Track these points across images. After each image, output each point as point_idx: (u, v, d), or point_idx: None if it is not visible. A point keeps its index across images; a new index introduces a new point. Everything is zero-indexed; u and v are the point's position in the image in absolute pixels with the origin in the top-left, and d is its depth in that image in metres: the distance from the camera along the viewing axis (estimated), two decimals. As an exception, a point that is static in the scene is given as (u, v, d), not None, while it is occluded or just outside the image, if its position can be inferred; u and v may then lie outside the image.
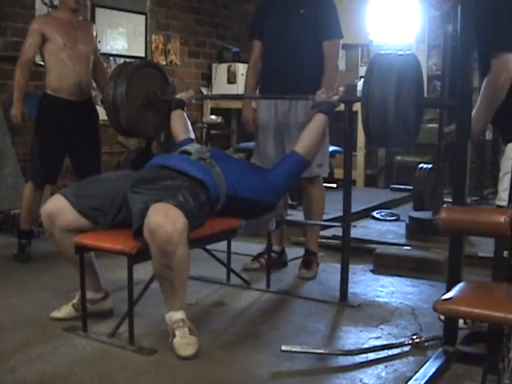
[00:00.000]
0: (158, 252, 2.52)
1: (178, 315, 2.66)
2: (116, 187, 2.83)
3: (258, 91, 3.84)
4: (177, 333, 2.62)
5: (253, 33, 3.85)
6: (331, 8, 3.62)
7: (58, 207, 2.80)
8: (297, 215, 4.32)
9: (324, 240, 4.42)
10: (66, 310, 3.02)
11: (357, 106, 3.29)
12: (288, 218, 3.83)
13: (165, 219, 2.49)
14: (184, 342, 2.60)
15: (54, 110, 3.95)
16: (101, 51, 6.30)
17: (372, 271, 3.93)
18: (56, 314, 3.02)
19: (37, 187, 4.01)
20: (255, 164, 3.61)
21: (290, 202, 4.53)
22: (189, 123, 3.55)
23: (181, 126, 3.49)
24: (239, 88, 6.96)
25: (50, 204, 2.85)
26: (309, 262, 3.77)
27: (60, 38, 3.89)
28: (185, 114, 3.57)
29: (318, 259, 3.86)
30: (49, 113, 3.96)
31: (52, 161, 4.02)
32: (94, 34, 4.15)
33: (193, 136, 3.46)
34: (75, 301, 3.00)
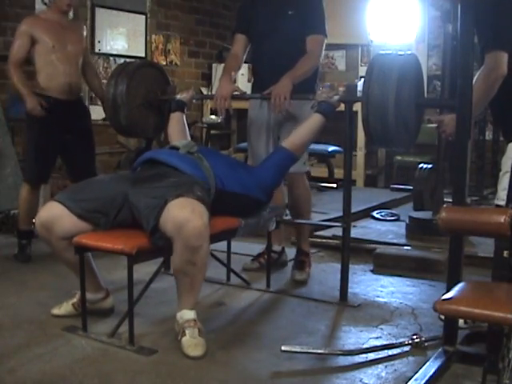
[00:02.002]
0: (185, 247, 2.52)
1: (191, 315, 2.66)
2: (114, 188, 2.80)
3: (250, 90, 3.81)
4: (187, 332, 2.62)
5: (237, 28, 3.78)
6: (318, 7, 3.58)
7: (55, 214, 2.73)
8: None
9: (324, 240, 4.42)
10: (66, 308, 3.02)
11: (357, 106, 3.29)
12: (288, 217, 3.82)
13: (193, 214, 2.49)
14: (193, 343, 2.60)
15: (45, 108, 3.92)
16: (101, 51, 6.35)
17: (372, 271, 3.93)
18: (56, 311, 3.03)
19: (33, 188, 4.00)
20: (244, 162, 3.58)
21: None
22: (186, 128, 3.54)
23: (177, 131, 3.46)
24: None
25: (46, 212, 2.77)
26: (301, 262, 3.72)
27: (49, 39, 3.86)
28: (184, 118, 3.56)
29: (311, 259, 3.82)
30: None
31: (46, 160, 4.00)
32: (84, 34, 4.12)
33: (188, 139, 3.45)
34: (75, 300, 3.00)
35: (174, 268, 2.69)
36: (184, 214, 2.50)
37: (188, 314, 2.66)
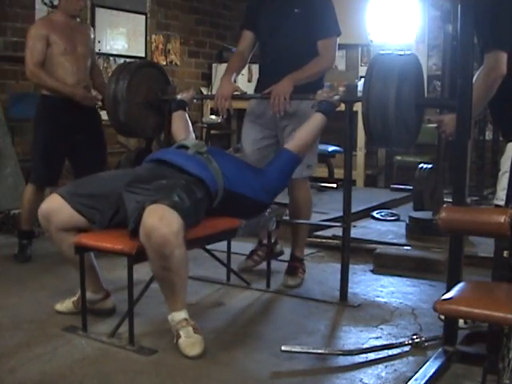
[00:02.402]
0: (155, 255, 2.52)
1: (181, 315, 2.66)
2: (112, 186, 2.81)
3: (255, 88, 3.79)
4: (181, 333, 2.62)
5: (245, 24, 3.74)
6: (326, 6, 3.50)
7: (54, 206, 2.80)
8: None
9: (324, 240, 4.42)
10: (67, 306, 3.04)
11: (357, 106, 3.29)
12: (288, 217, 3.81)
13: (160, 221, 2.48)
14: (190, 342, 2.60)
15: (53, 110, 3.91)
16: (101, 51, 6.34)
17: (372, 271, 3.93)
18: (59, 306, 3.05)
19: (38, 189, 3.98)
20: (250, 164, 3.52)
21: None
22: (190, 124, 3.54)
23: (181, 126, 3.47)
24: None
25: (47, 203, 2.85)
26: (294, 268, 3.63)
27: (62, 42, 3.85)
28: (186, 115, 3.56)
29: (305, 266, 3.70)
30: (48, 113, 3.93)
31: (54, 162, 3.98)
32: (92, 36, 4.13)
33: (192, 136, 3.45)
34: (75, 298, 3.01)
35: (152, 273, 2.72)
36: (151, 222, 2.49)
37: (178, 316, 2.66)
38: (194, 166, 2.86)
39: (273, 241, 3.80)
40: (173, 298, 2.66)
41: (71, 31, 3.94)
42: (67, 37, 3.90)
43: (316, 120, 3.22)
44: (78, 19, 4.11)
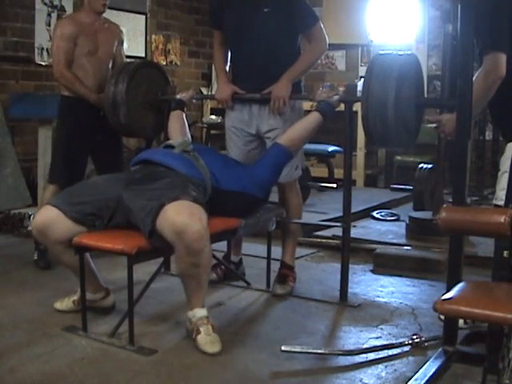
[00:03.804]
0: (187, 252, 2.51)
1: (203, 312, 2.68)
2: (108, 190, 2.77)
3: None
4: (201, 329, 2.63)
5: (212, 24, 3.64)
6: None
7: (50, 219, 2.71)
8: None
9: (324, 240, 4.42)
10: (67, 304, 3.04)
11: (357, 106, 3.29)
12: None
13: (191, 217, 2.48)
14: (209, 340, 2.62)
15: (76, 110, 3.83)
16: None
17: (372, 271, 3.93)
18: (58, 305, 3.05)
19: (60, 190, 3.81)
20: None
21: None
22: (186, 125, 3.51)
23: (177, 127, 3.45)
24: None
25: (41, 217, 2.74)
26: (284, 276, 3.47)
27: (86, 43, 3.79)
28: (183, 116, 3.55)
29: (295, 274, 3.54)
30: (71, 114, 3.85)
31: (77, 162, 3.88)
32: (117, 37, 4.03)
33: (188, 137, 3.43)
34: (76, 298, 3.00)
35: (178, 271, 2.69)
36: (182, 219, 2.48)
37: (200, 312, 2.67)
38: (181, 164, 2.85)
39: (237, 260, 3.70)
40: (197, 294, 2.67)
41: (95, 32, 3.85)
42: (91, 39, 3.83)
43: (312, 118, 3.22)
44: (103, 18, 3.97)
